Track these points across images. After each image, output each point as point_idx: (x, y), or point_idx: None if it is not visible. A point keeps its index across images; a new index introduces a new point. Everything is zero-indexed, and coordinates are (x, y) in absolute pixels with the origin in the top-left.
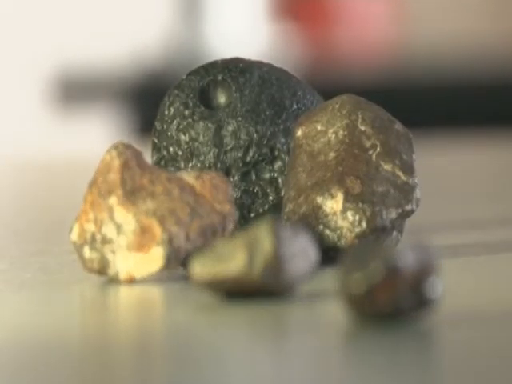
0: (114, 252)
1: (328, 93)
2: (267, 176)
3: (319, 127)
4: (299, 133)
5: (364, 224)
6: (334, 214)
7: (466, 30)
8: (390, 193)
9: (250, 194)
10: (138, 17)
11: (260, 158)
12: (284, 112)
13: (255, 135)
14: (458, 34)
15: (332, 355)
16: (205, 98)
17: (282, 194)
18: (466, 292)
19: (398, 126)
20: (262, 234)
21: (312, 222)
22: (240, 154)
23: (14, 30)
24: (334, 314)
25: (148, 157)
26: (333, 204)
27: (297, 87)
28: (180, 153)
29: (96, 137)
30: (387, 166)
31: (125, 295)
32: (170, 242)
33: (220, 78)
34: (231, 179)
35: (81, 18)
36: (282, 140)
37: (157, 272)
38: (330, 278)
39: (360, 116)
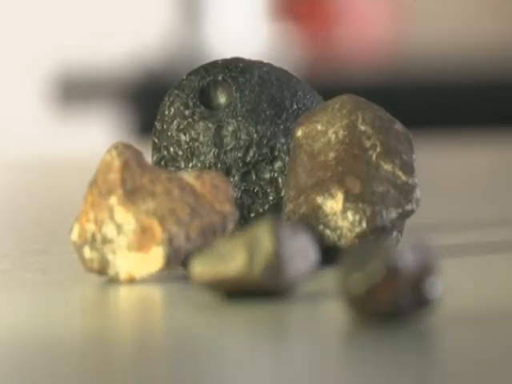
0: (114, 252)
1: (328, 93)
2: (267, 176)
3: (319, 127)
4: (299, 133)
5: (364, 224)
6: (334, 214)
7: (466, 29)
8: (389, 193)
9: (250, 194)
10: (138, 17)
11: (260, 158)
12: (284, 112)
13: (255, 135)
14: (458, 34)
15: (332, 355)
16: (205, 98)
17: (282, 194)
18: (466, 292)
19: (398, 126)
20: (262, 234)
21: (312, 221)
22: (240, 154)
23: (14, 29)
24: (334, 314)
25: (148, 157)
26: (333, 204)
27: (297, 87)
28: (180, 153)
29: (96, 137)
30: (387, 166)
31: (125, 295)
32: (170, 242)
33: (220, 77)
34: (231, 179)
35: (81, 17)
36: (282, 140)
37: (157, 272)
38: (330, 278)
39: (360, 116)
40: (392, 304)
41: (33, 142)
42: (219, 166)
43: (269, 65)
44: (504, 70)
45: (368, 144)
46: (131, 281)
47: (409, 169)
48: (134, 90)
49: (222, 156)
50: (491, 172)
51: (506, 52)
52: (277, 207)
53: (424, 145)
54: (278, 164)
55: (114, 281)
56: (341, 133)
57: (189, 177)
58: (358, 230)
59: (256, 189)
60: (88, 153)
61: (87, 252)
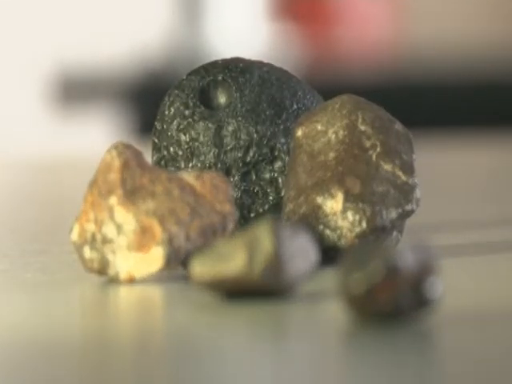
0: (114, 252)
1: (328, 93)
2: (267, 176)
3: (319, 127)
4: (299, 133)
5: (364, 224)
6: (334, 214)
7: (466, 29)
8: (389, 193)
9: (250, 194)
10: (138, 17)
11: (260, 158)
12: (284, 112)
13: (255, 135)
14: (458, 34)
15: (332, 355)
16: (205, 98)
17: (282, 194)
18: (466, 292)
19: (398, 126)
20: (262, 234)
21: (312, 222)
22: (240, 154)
23: (14, 29)
24: (333, 314)
25: (148, 157)
26: (333, 204)
27: (297, 87)
28: (180, 153)
29: (96, 136)
30: (387, 166)
31: (125, 295)
32: (170, 241)
33: (220, 77)
34: (231, 179)
35: (81, 17)
36: (282, 140)
37: (157, 272)
38: (330, 278)
39: (360, 116)
40: (392, 304)
41: (33, 142)
42: (219, 165)
43: (269, 65)
44: (504, 69)
45: (368, 144)
46: (131, 281)
47: (409, 169)
48: (134, 89)
49: (222, 156)
50: (491, 172)
51: (506, 52)
52: (277, 207)
53: (424, 145)
54: (277, 164)
55: (114, 281)
56: (341, 133)
57: (189, 177)
58: (357, 230)
59: (256, 189)
60: (88, 153)
61: (87, 252)
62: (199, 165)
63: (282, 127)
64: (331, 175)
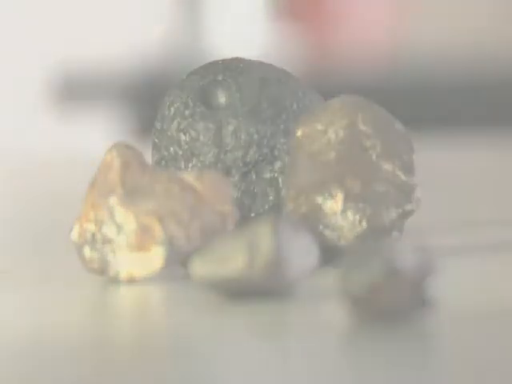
0: (114, 252)
1: (328, 93)
2: (267, 176)
3: (319, 127)
4: (299, 133)
5: (364, 224)
6: (334, 214)
7: (466, 29)
8: (390, 193)
9: (250, 194)
10: (138, 17)
11: (260, 158)
12: (284, 112)
13: (255, 135)
14: (458, 34)
15: (332, 355)
16: (205, 98)
17: (282, 194)
18: (466, 292)
19: (398, 125)
20: (262, 234)
21: (312, 222)
22: (240, 154)
23: (15, 29)
24: (333, 313)
25: (148, 157)
26: (333, 204)
27: (297, 87)
28: (180, 153)
29: (96, 136)
30: (387, 166)
31: (125, 295)
32: (170, 241)
33: (220, 77)
34: (231, 179)
35: (81, 17)
36: (282, 140)
37: (157, 272)
38: (329, 278)
39: (360, 116)
40: (392, 304)
41: (33, 142)
42: (219, 165)
43: (269, 65)
44: (504, 69)
45: (368, 144)
46: (131, 281)
47: (409, 169)
48: (134, 89)
49: (221, 156)
50: (491, 172)
51: (507, 52)
52: (277, 207)
53: (424, 145)
54: (278, 164)
55: (114, 281)
56: (341, 133)
57: (189, 177)
58: (358, 229)
59: (256, 189)
60: (88, 152)
61: (87, 252)
62: (199, 165)
63: (282, 127)
64: (331, 175)
